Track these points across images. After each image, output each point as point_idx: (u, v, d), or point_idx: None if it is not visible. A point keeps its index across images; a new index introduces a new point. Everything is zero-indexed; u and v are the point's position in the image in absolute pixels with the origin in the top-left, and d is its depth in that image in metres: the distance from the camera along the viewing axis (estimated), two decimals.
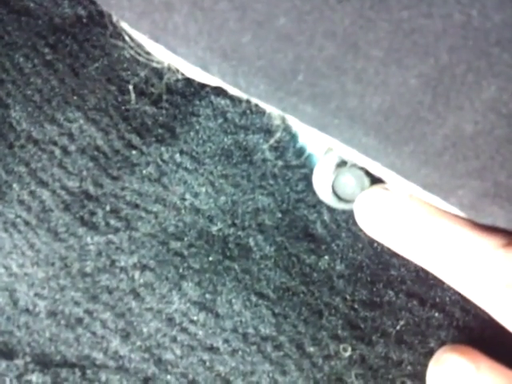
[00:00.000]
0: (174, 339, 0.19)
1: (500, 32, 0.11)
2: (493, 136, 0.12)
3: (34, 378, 0.18)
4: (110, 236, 0.19)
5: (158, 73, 0.20)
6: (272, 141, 0.20)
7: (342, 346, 0.20)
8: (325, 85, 0.13)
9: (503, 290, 0.15)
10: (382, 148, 0.15)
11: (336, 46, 0.12)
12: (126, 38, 0.19)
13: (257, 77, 0.14)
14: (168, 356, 0.19)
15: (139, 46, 0.19)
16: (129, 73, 0.21)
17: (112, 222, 0.19)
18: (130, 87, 0.20)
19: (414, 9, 0.11)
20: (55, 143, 0.21)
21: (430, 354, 0.19)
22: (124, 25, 0.19)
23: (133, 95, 0.20)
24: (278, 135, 0.19)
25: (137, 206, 0.20)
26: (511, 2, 0.11)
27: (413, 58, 0.12)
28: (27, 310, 0.19)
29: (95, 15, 0.22)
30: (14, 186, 0.20)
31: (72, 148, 0.20)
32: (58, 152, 0.20)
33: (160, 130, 0.21)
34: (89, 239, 0.19)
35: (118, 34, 0.20)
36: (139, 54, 0.19)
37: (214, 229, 0.20)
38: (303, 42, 0.13)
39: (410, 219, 0.17)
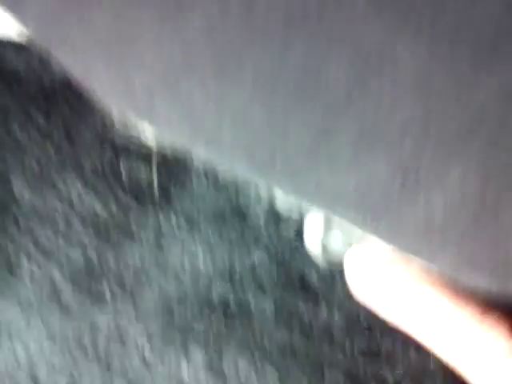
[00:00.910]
0: None
1: (458, 131, 0.12)
2: (463, 213, 0.13)
3: None
4: (117, 306, 0.20)
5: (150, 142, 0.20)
6: (263, 197, 0.21)
7: None
8: (302, 170, 0.14)
9: (479, 358, 0.16)
10: (362, 220, 0.15)
11: (309, 140, 0.13)
12: (114, 117, 0.20)
13: (239, 162, 0.15)
14: None
15: (128, 124, 0.19)
16: (121, 136, 0.22)
17: (117, 293, 0.20)
18: (121, 164, 0.20)
19: (378, 108, 0.12)
20: (57, 211, 0.22)
21: None
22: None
23: (124, 169, 0.21)
24: (267, 195, 0.20)
25: (138, 272, 0.20)
26: (466, 105, 0.11)
27: (381, 151, 0.13)
28: None
29: None
30: (23, 261, 0.21)
31: (73, 216, 0.21)
32: (60, 222, 0.21)
33: (154, 192, 0.21)
34: (97, 311, 0.20)
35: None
36: (129, 130, 0.19)
37: (214, 292, 0.21)
38: (278, 136, 0.13)
39: (391, 284, 0.17)
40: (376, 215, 0.14)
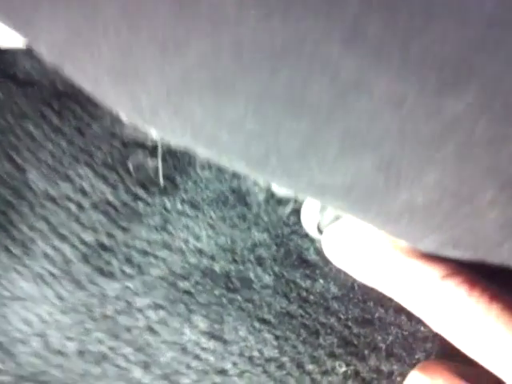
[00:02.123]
0: (188, 366, 0.22)
1: (431, 140, 0.14)
2: (442, 206, 0.15)
3: None
4: (126, 282, 0.22)
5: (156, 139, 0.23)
6: (263, 184, 0.23)
7: (337, 363, 0.22)
8: (294, 166, 0.16)
9: (446, 313, 0.17)
10: (351, 209, 0.17)
11: (299, 143, 0.15)
12: (122, 118, 0.22)
13: (237, 161, 0.17)
14: (185, 381, 0.22)
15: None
16: (129, 128, 0.24)
17: (126, 269, 0.22)
18: (134, 155, 0.22)
19: (358, 119, 0.14)
20: (70, 199, 0.23)
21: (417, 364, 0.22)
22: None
23: (135, 157, 0.23)
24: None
25: (146, 253, 0.22)
26: (437, 119, 0.13)
27: (363, 153, 0.14)
28: (59, 352, 0.22)
29: None
30: (38, 241, 0.23)
31: (86, 204, 0.23)
32: (73, 208, 0.23)
33: (161, 181, 0.23)
34: (107, 286, 0.22)
35: None
36: (137, 129, 0.21)
37: (216, 266, 0.23)
38: (271, 139, 0.15)
39: (368, 251, 0.19)
40: (363, 206, 0.17)
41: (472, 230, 0.16)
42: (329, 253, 0.20)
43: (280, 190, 0.23)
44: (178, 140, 0.17)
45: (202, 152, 0.17)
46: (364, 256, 0.19)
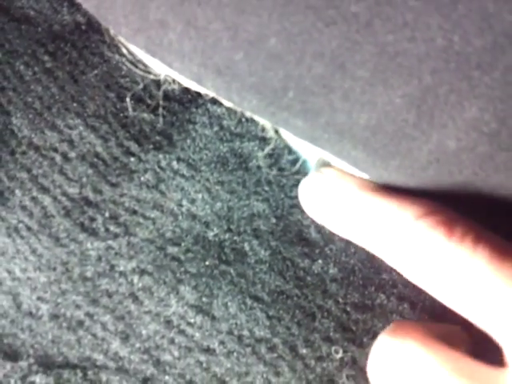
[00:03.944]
0: (171, 341, 0.20)
1: (480, 56, 0.12)
2: (475, 153, 0.13)
3: (37, 379, 0.19)
4: (110, 242, 0.20)
5: (156, 81, 0.21)
6: (267, 149, 0.21)
7: (333, 348, 0.20)
8: (314, 101, 0.14)
9: (419, 255, 0.15)
10: (370, 161, 0.15)
11: (324, 66, 0.13)
12: (124, 51, 0.20)
13: (249, 92, 0.15)
14: (166, 357, 0.20)
15: (136, 58, 0.19)
16: (127, 79, 0.22)
17: (111, 227, 0.20)
18: (128, 99, 0.20)
19: (398, 33, 0.12)
20: (56, 150, 0.21)
21: None
22: (121, 38, 0.20)
23: (130, 105, 0.21)
24: (271, 146, 0.20)
25: (135, 212, 0.20)
26: (490, 28, 0.11)
27: (397, 79, 0.13)
28: (30, 314, 0.20)
29: (94, 22, 0.23)
30: (17, 191, 0.21)
31: (72, 155, 0.21)
32: (58, 159, 0.21)
33: (157, 138, 0.22)
34: (89, 245, 0.20)
35: (116, 45, 0.20)
36: (136, 67, 0.19)
37: (210, 234, 0.21)
38: (292, 62, 0.13)
39: (340, 198, 0.17)
40: (386, 154, 0.14)
41: (504, 186, 0.13)
42: (304, 205, 0.18)
43: (287, 157, 0.21)
44: (185, 67, 0.15)
45: (209, 85, 0.15)
46: (337, 204, 0.17)
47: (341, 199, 0.17)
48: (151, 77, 0.19)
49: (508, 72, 0.11)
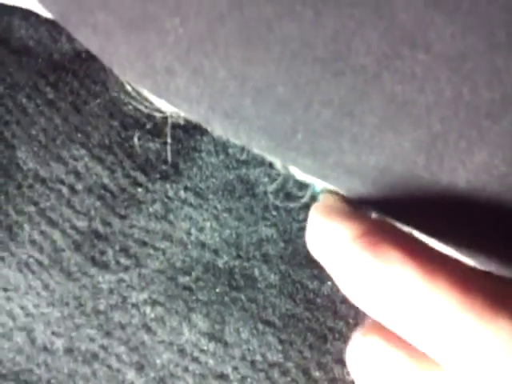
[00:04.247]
0: (185, 369, 0.20)
1: (490, 107, 0.12)
2: (485, 193, 0.13)
3: None
4: (121, 274, 0.20)
5: (162, 115, 0.21)
6: (274, 178, 0.21)
7: (346, 370, 0.21)
8: (323, 143, 0.14)
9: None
10: (380, 197, 0.15)
11: (332, 113, 0.13)
12: (128, 88, 0.20)
13: (257, 134, 0.15)
14: None
15: (141, 94, 0.19)
16: (131, 107, 0.22)
17: (122, 260, 0.20)
18: (134, 132, 0.20)
19: (407, 84, 0.12)
20: (62, 182, 0.22)
21: None
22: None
23: (135, 134, 0.21)
24: (278, 176, 0.20)
25: (145, 243, 0.20)
26: (499, 82, 0.11)
27: (406, 126, 0.13)
28: (45, 348, 0.20)
29: None
30: (25, 226, 0.21)
31: (79, 187, 0.21)
32: (65, 191, 0.21)
33: (164, 167, 0.22)
34: (100, 278, 0.20)
35: (119, 80, 0.20)
36: (141, 103, 0.19)
37: (220, 262, 0.21)
38: (301, 108, 0.13)
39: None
40: (394, 194, 0.14)
41: None
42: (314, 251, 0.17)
43: (294, 183, 0.21)
44: (193, 111, 0.15)
45: (217, 126, 0.15)
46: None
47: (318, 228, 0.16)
48: (158, 115, 0.19)
49: None
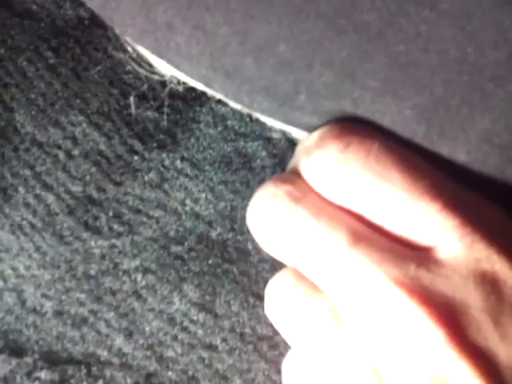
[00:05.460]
0: (174, 338, 0.20)
1: (494, 69, 0.11)
2: (485, 165, 0.13)
3: (42, 374, 0.19)
4: (113, 240, 0.20)
5: (162, 81, 0.20)
6: (271, 148, 0.21)
7: None
8: (326, 105, 0.14)
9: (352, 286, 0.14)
10: None
11: (334, 74, 0.13)
12: (129, 49, 0.19)
13: (259, 94, 0.15)
14: (169, 354, 0.20)
15: (142, 57, 0.19)
16: (131, 76, 0.22)
17: (115, 226, 0.20)
18: (131, 97, 0.20)
19: (411, 43, 0.12)
20: (59, 147, 0.21)
21: None
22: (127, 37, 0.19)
23: (133, 102, 0.21)
24: (276, 146, 0.20)
25: (139, 211, 0.20)
26: (505, 41, 0.11)
27: (408, 90, 0.12)
28: (35, 310, 0.20)
29: (97, 17, 0.22)
30: (20, 189, 0.21)
31: (75, 152, 0.21)
32: (62, 156, 0.21)
33: (161, 136, 0.21)
34: (93, 243, 0.20)
35: (120, 43, 0.20)
36: (142, 67, 0.19)
37: (213, 233, 0.21)
38: (302, 68, 0.13)
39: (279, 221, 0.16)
40: None
41: None
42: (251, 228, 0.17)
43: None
44: (193, 70, 0.14)
45: (218, 87, 0.15)
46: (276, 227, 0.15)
47: (280, 222, 0.16)
48: (157, 77, 0.19)
49: None
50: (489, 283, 0.12)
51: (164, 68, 0.19)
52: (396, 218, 0.13)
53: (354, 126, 0.14)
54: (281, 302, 0.16)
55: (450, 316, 0.12)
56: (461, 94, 0.12)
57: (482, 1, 0.11)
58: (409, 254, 0.13)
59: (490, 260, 0.12)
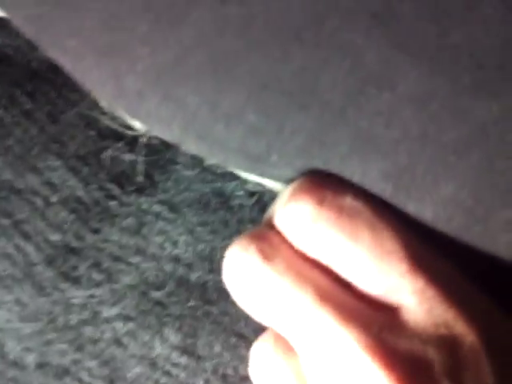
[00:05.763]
0: (156, 382, 0.20)
1: (456, 145, 0.12)
2: (451, 225, 0.13)
3: None
4: (93, 290, 0.20)
5: (136, 134, 0.20)
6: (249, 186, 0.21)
7: None
8: (298, 162, 0.14)
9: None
10: None
11: (303, 140, 0.13)
12: (102, 105, 0.19)
13: (232, 154, 0.15)
14: None
15: (116, 114, 0.19)
16: (107, 117, 0.22)
17: (94, 275, 0.20)
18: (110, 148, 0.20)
19: (372, 120, 0.12)
20: (37, 193, 0.21)
21: None
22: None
23: (111, 144, 0.21)
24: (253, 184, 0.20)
25: (117, 258, 0.20)
26: (465, 122, 0.11)
27: (373, 157, 0.13)
28: (16, 364, 0.20)
29: None
30: (0, 239, 0.21)
31: (54, 199, 0.21)
32: (40, 203, 0.21)
33: (139, 178, 0.21)
34: (72, 293, 0.20)
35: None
36: (116, 122, 0.19)
37: (193, 276, 0.21)
38: (273, 133, 0.13)
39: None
40: None
41: (481, 252, 0.14)
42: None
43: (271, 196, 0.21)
44: (165, 131, 0.14)
45: (190, 146, 0.15)
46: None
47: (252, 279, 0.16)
48: (131, 133, 0.19)
49: (483, 159, 0.12)
50: (448, 347, 0.12)
51: (138, 124, 0.19)
52: (364, 277, 0.14)
53: (327, 179, 0.14)
54: (261, 366, 0.16)
55: (411, 378, 0.12)
56: (425, 164, 0.12)
57: (441, 86, 0.11)
58: (374, 314, 0.13)
59: (448, 325, 0.12)
